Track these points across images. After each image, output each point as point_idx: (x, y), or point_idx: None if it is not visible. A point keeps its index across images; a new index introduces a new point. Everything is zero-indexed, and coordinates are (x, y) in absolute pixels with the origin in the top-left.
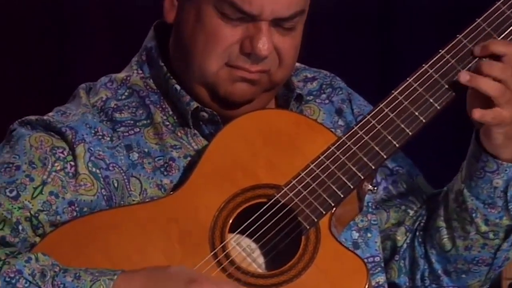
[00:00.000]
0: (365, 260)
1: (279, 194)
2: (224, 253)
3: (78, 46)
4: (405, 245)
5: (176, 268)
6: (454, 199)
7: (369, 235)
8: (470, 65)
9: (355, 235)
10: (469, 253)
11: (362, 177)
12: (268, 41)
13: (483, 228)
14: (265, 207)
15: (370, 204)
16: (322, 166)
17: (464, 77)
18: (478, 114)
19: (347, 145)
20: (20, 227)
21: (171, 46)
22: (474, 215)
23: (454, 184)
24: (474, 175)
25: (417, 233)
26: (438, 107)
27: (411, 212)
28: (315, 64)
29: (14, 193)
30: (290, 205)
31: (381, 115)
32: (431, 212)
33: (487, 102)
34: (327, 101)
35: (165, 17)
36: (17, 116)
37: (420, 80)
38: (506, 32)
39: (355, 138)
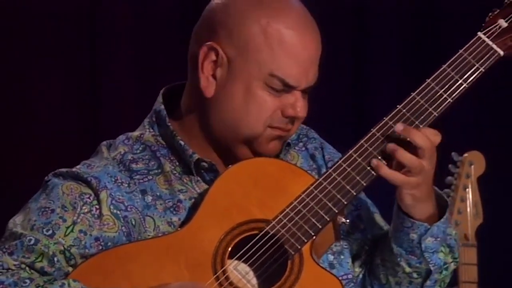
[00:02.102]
0: (340, 278)
1: (268, 227)
2: (224, 276)
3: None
4: (360, 275)
5: (179, 283)
6: (388, 245)
7: (342, 256)
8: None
9: (331, 257)
10: (400, 287)
11: (336, 211)
12: (303, 105)
13: (407, 269)
14: (257, 237)
15: (342, 232)
16: (304, 203)
17: (399, 127)
18: (388, 172)
19: (323, 185)
20: (55, 259)
21: (194, 111)
22: (399, 259)
23: (388, 233)
24: (396, 228)
25: (368, 266)
26: None
27: (367, 247)
28: None
29: (50, 232)
30: (278, 235)
31: (350, 160)
32: (374, 250)
33: (401, 167)
34: (303, 149)
35: (204, 93)
36: (51, 169)
37: (370, 141)
38: (436, 105)
39: (329, 179)
